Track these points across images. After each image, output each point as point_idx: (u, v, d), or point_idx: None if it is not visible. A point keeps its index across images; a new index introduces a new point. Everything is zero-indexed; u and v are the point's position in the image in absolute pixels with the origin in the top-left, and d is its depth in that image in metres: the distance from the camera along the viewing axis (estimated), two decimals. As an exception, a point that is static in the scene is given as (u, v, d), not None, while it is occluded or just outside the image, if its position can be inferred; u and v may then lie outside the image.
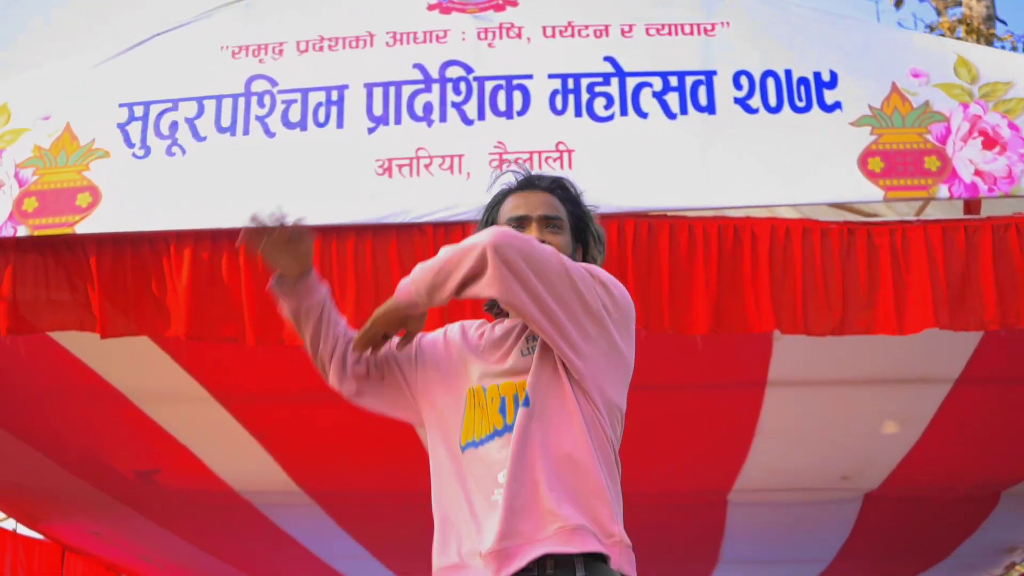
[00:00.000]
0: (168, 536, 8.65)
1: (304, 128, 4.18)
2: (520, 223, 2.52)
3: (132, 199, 4.15)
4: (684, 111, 4.10)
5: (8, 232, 4.13)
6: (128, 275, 4.12)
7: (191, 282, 4.08)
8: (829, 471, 6.95)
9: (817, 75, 4.13)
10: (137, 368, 5.54)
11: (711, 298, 3.97)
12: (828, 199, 4.10)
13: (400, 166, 4.09)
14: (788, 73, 4.14)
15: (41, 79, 4.38)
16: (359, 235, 4.06)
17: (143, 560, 9.89)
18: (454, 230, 4.03)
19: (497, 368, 2.43)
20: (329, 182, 4.11)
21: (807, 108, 4.09)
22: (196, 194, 4.14)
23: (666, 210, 4.03)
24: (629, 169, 4.05)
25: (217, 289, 4.10)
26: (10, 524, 8.81)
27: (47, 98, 4.33)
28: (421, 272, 2.42)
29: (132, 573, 10.57)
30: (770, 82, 4.13)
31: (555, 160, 4.04)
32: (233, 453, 6.67)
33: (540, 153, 4.06)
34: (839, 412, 6.04)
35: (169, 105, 4.26)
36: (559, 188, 2.61)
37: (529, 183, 2.61)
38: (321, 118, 4.18)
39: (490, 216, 2.63)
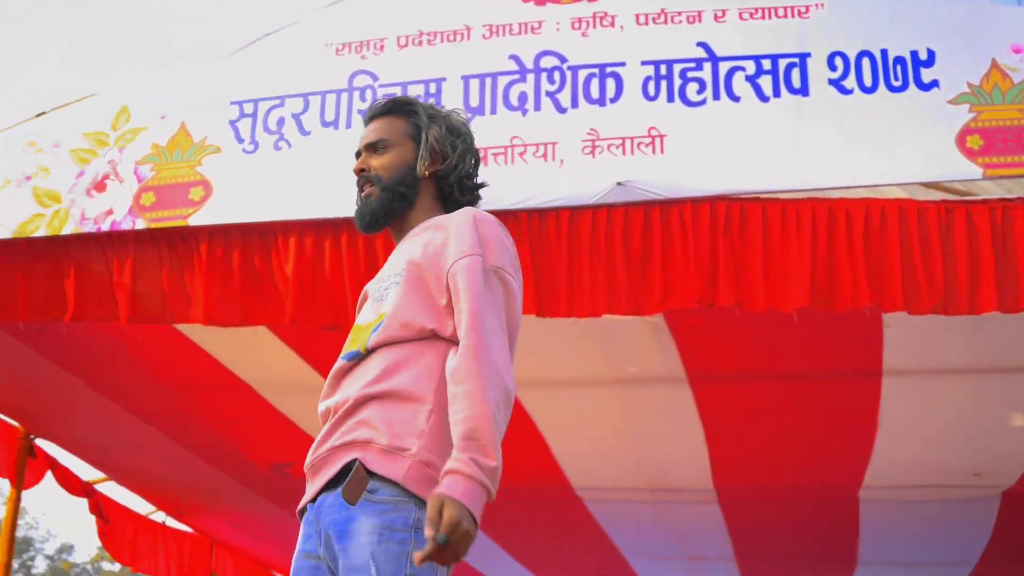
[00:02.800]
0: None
1: (403, 120, 4.30)
2: (357, 157, 2.72)
3: (241, 192, 4.34)
4: (777, 94, 4.10)
5: (128, 225, 4.36)
6: (236, 265, 4.30)
7: (296, 271, 4.25)
8: (959, 467, 6.79)
9: (914, 54, 4.08)
10: (261, 359, 5.76)
11: (806, 275, 3.95)
12: (924, 178, 4.04)
13: (495, 155, 4.18)
14: (884, 53, 4.09)
15: (159, 81, 4.60)
16: (457, 223, 4.16)
17: (287, 556, 10.21)
18: (548, 216, 4.11)
19: None
20: (427, 172, 4.22)
21: (903, 87, 4.04)
22: (301, 186, 4.30)
23: (759, 192, 4.02)
24: (721, 153, 4.06)
25: (320, 277, 4.25)
26: (160, 517, 9.19)
27: (164, 99, 4.55)
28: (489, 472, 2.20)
29: (277, 568, 10.89)
30: (865, 62, 4.09)
31: (647, 145, 4.08)
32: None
33: (632, 139, 4.11)
34: (962, 403, 5.92)
35: (277, 102, 4.44)
36: (391, 110, 2.73)
37: (368, 118, 2.77)
38: (419, 110, 4.30)
39: None
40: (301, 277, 4.25)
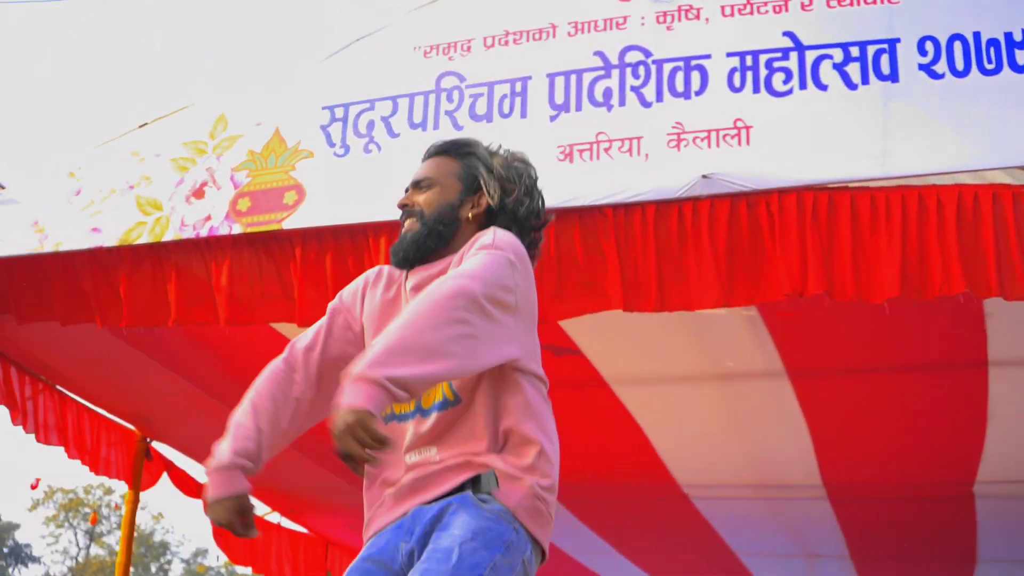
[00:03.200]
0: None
1: (490, 120, 4.35)
2: (406, 192, 2.66)
3: (333, 195, 4.42)
4: (866, 81, 4.02)
5: (225, 230, 4.48)
6: (329, 267, 4.39)
7: (387, 270, 4.31)
8: (1077, 459, 6.61)
9: (1008, 35, 3.97)
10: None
11: (896, 265, 3.88)
12: (1019, 162, 3.93)
13: (580, 151, 4.20)
14: (976, 35, 4.00)
15: (254, 89, 4.71)
16: (543, 220, 4.19)
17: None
18: (634, 211, 4.11)
19: None
20: (513, 170, 4.25)
21: (997, 70, 3.94)
22: (391, 188, 4.34)
23: (847, 181, 3.97)
24: (808, 142, 4.01)
25: (411, 276, 4.31)
26: (275, 517, 9.40)
27: (259, 106, 4.67)
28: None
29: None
30: (957, 46, 4.00)
31: (732, 137, 4.05)
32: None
33: (718, 131, 4.08)
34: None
35: (367, 105, 4.52)
36: (444, 151, 2.69)
37: (424, 157, 2.72)
38: (506, 109, 4.34)
39: None
40: (392, 277, 4.31)
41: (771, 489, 7.57)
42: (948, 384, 5.72)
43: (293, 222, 4.40)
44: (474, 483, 2.34)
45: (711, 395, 6.06)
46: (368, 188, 4.39)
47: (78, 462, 6.56)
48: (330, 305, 2.75)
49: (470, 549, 2.22)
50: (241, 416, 2.60)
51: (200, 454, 7.73)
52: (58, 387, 6.47)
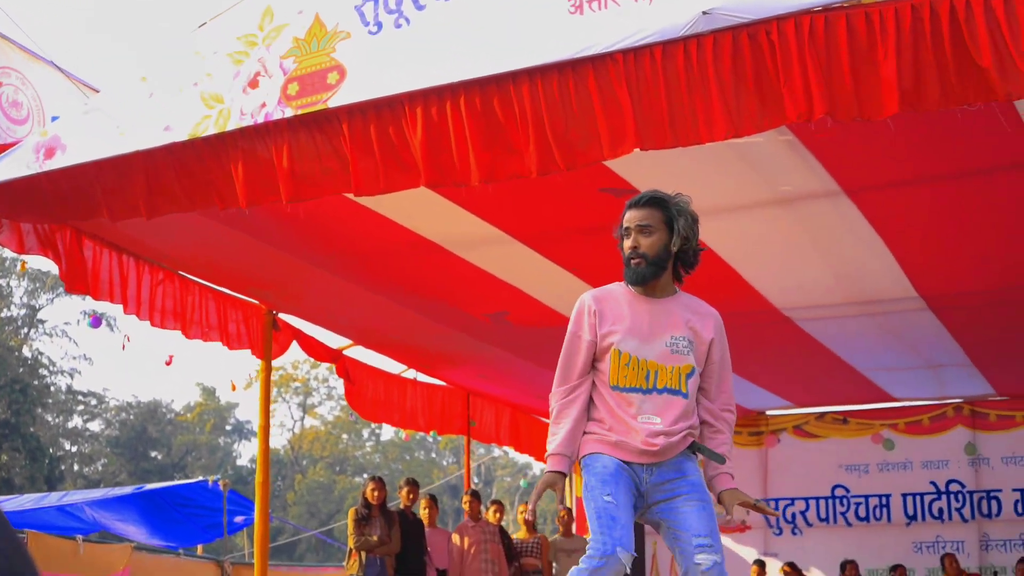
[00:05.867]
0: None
1: (506, -19, 4.58)
2: (626, 232, 3.56)
3: (370, 71, 4.74)
4: None
5: (278, 115, 4.85)
6: (374, 138, 4.73)
7: (424, 137, 4.63)
8: None
9: None
10: (439, 220, 6.23)
11: (893, 80, 3.99)
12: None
13: (590, 1, 4.40)
14: None
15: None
16: (561, 73, 4.43)
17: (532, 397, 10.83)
18: (643, 54, 4.30)
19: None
20: (529, 28, 4.49)
21: None
22: (421, 57, 4.66)
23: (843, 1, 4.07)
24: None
25: (446, 140, 4.62)
26: (411, 374, 9.99)
27: (301, -6, 4.99)
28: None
29: (529, 410, 11.58)
30: None
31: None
32: (565, 292, 7.24)
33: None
34: None
35: (397, -19, 4.79)
36: (653, 203, 3.57)
37: (634, 203, 3.60)
38: (520, -31, 4.55)
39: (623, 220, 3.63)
40: (430, 142, 4.62)
41: (870, 305, 7.71)
42: (1014, 185, 5.76)
43: (337, 100, 4.75)
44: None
45: (779, 220, 6.22)
46: (401, 60, 4.68)
47: (199, 340, 7.14)
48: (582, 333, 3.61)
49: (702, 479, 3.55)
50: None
51: (328, 322, 8.33)
52: (180, 272, 7.03)
